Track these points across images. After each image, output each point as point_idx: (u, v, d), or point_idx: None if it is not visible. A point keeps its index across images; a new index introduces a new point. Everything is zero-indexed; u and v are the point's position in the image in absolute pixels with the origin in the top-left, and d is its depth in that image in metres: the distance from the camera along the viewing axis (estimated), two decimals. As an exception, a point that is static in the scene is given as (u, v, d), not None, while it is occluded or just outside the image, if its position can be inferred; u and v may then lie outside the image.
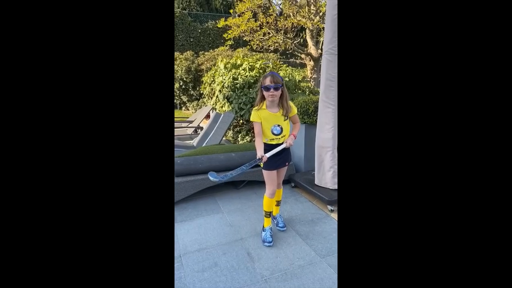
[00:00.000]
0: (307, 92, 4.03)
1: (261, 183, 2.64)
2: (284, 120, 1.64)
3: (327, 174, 2.32)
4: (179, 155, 2.52)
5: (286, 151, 1.71)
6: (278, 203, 1.92)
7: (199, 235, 1.86)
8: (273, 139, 1.65)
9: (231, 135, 4.31)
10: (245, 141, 3.98)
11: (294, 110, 1.68)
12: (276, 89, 1.54)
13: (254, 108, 1.65)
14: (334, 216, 2.13)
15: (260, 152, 1.57)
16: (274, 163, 1.67)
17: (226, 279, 1.46)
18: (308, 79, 4.71)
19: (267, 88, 1.55)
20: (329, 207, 2.21)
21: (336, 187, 2.32)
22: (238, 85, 3.78)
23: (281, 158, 1.70)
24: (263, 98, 1.62)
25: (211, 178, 1.49)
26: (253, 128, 3.76)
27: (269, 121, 1.61)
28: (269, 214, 1.79)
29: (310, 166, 2.75)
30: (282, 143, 1.66)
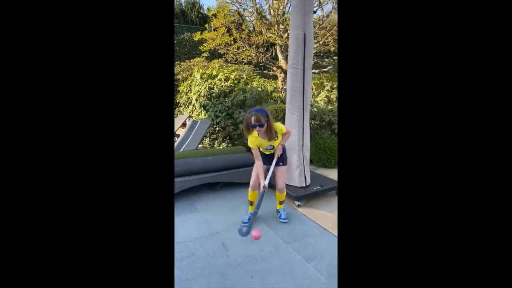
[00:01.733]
0: (278, 101, 4.36)
1: (236, 184, 2.84)
2: (275, 140, 1.91)
3: (294, 173, 2.59)
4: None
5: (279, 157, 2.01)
6: (281, 202, 2.19)
7: (177, 231, 2.01)
8: (266, 150, 2.00)
9: (208, 142, 4.48)
10: (221, 147, 4.17)
11: (282, 130, 1.91)
12: (260, 126, 1.77)
13: (248, 136, 1.89)
14: (301, 210, 2.38)
15: (263, 182, 1.87)
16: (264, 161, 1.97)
17: (202, 265, 1.62)
18: (279, 89, 5.08)
19: (253, 126, 1.78)
20: (296, 203, 2.46)
21: (303, 184, 2.59)
22: (214, 94, 4.01)
23: (269, 159, 2.03)
24: (246, 127, 1.84)
25: (242, 232, 1.80)
26: (229, 134, 3.97)
27: (262, 144, 1.92)
28: (250, 203, 2.14)
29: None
30: (272, 155, 2.00)
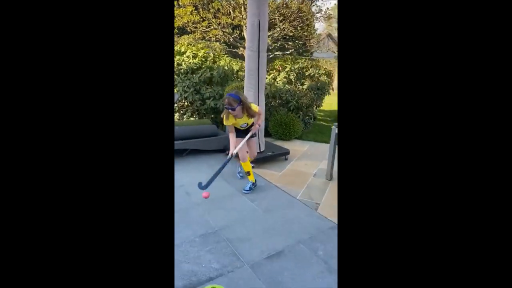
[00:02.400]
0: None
1: (201, 151, 3.27)
2: (249, 118, 2.22)
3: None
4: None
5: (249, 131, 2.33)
6: (248, 173, 2.43)
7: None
8: (241, 127, 2.32)
9: (177, 116, 4.77)
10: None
11: (255, 109, 2.21)
12: (232, 109, 2.06)
13: (224, 119, 2.19)
14: (254, 170, 2.92)
15: (232, 149, 2.21)
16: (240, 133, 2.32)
17: (169, 206, 2.09)
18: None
19: (227, 108, 2.09)
20: (251, 164, 2.98)
21: (257, 150, 3.10)
22: (182, 70, 4.26)
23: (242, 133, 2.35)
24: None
25: (200, 186, 2.08)
26: (197, 109, 4.27)
27: (237, 122, 2.25)
28: (248, 173, 2.42)
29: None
30: (247, 129, 2.32)
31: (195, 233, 1.76)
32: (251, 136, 2.34)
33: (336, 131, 2.58)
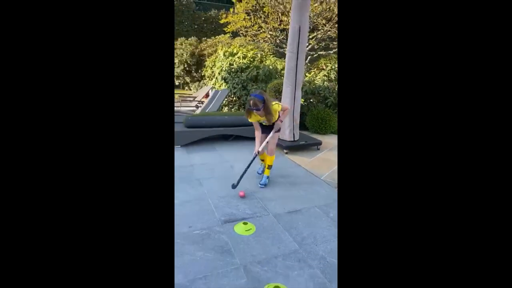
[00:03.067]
0: (287, 78, 5.21)
1: (244, 137, 3.87)
2: (271, 117, 2.24)
3: (286, 131, 3.55)
4: (189, 115, 3.73)
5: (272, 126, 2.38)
6: (269, 167, 2.50)
7: (202, 159, 3.11)
8: (264, 123, 2.40)
9: (226, 110, 5.50)
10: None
11: (277, 109, 2.24)
12: (257, 110, 2.11)
13: (248, 117, 2.27)
14: (287, 156, 3.38)
15: (257, 148, 2.32)
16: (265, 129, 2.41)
17: (218, 174, 2.71)
18: (290, 68, 5.86)
19: (250, 109, 2.14)
20: (285, 150, 3.46)
21: (291, 139, 3.56)
22: (233, 69, 4.94)
23: (267, 128, 2.40)
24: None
25: (233, 188, 2.25)
26: (243, 103, 4.93)
27: (260, 120, 2.33)
28: (269, 166, 2.50)
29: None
30: (271, 125, 2.39)
31: (236, 192, 2.33)
32: (276, 131, 2.39)
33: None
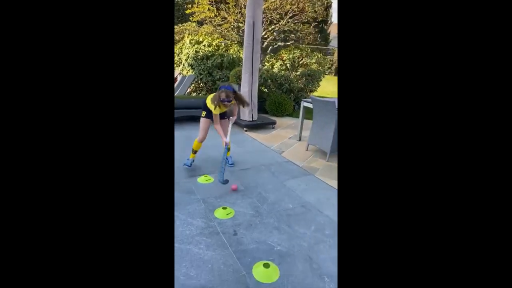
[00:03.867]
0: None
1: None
2: (234, 105, 2.46)
3: (245, 112, 4.15)
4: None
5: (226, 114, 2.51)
6: (229, 150, 2.58)
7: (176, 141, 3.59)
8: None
9: (194, 95, 5.91)
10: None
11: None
12: (229, 101, 2.24)
13: (214, 106, 2.29)
14: (246, 133, 3.99)
15: (224, 139, 2.38)
16: (210, 116, 2.43)
17: (181, 145, 3.23)
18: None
19: (223, 101, 2.23)
20: (244, 129, 4.06)
21: (250, 119, 4.16)
22: (199, 56, 5.34)
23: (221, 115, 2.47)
24: (217, 100, 2.26)
25: (224, 183, 2.20)
26: (209, 88, 5.43)
27: (222, 110, 2.39)
28: (194, 152, 2.63)
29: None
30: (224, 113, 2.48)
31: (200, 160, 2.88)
32: (228, 117, 2.56)
33: (304, 104, 3.56)
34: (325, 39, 15.86)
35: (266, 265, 1.42)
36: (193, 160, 2.65)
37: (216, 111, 2.35)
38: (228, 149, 2.58)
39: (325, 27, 16.81)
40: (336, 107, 2.96)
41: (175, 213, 1.87)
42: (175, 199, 2.04)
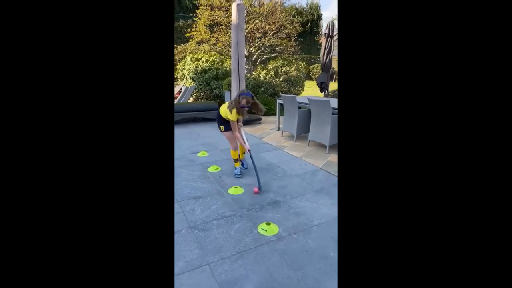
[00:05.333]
0: (240, 76, 6.89)
1: (208, 119, 5.42)
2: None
3: (236, 111, 5.20)
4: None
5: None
6: (243, 153, 2.79)
7: (178, 131, 4.65)
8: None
9: (194, 100, 7.02)
10: (203, 105, 6.77)
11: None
12: (249, 107, 2.30)
13: (232, 111, 2.32)
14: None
15: (246, 146, 2.48)
16: (229, 127, 2.56)
17: (186, 136, 4.28)
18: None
19: (242, 107, 2.25)
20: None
21: (240, 117, 5.21)
22: (198, 70, 6.50)
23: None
24: (236, 106, 2.29)
25: (260, 190, 2.30)
26: (207, 97, 6.58)
27: (239, 117, 2.50)
28: (236, 160, 2.74)
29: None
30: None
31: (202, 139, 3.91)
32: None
33: (278, 101, 4.58)
34: (317, 49, 17.04)
35: (268, 223, 1.86)
36: (241, 167, 2.77)
37: (234, 118, 2.37)
38: (243, 153, 2.70)
39: (316, 38, 18.07)
40: (297, 100, 3.98)
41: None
42: (185, 173, 3.05)
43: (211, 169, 2.93)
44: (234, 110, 2.33)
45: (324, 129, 3.50)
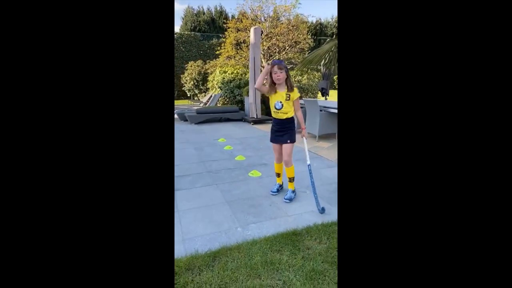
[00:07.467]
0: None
1: (231, 119, 6.66)
2: (286, 99, 2.12)
3: (253, 111, 6.36)
4: (199, 108, 6.62)
5: (286, 134, 2.21)
6: (290, 179, 2.30)
7: (205, 128, 5.94)
8: (276, 112, 2.19)
9: (220, 104, 8.36)
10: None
11: (297, 94, 2.15)
12: (280, 69, 2.05)
13: (264, 87, 2.14)
14: (253, 126, 6.18)
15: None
16: (273, 138, 2.29)
17: (210, 131, 5.53)
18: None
19: (275, 72, 2.05)
20: (252, 123, 6.25)
21: (255, 116, 6.35)
22: (225, 81, 7.88)
23: (278, 136, 2.25)
24: (272, 83, 2.12)
25: (319, 208, 2.03)
26: (231, 102, 8.05)
27: (276, 97, 2.16)
28: (277, 175, 2.42)
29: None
30: (282, 128, 2.19)
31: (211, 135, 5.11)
32: (286, 141, 2.22)
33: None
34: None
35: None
36: (280, 185, 2.46)
37: (272, 98, 2.17)
38: (291, 179, 2.30)
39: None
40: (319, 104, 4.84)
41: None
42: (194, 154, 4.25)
43: (226, 148, 4.11)
44: (270, 86, 2.15)
45: (315, 122, 4.46)
